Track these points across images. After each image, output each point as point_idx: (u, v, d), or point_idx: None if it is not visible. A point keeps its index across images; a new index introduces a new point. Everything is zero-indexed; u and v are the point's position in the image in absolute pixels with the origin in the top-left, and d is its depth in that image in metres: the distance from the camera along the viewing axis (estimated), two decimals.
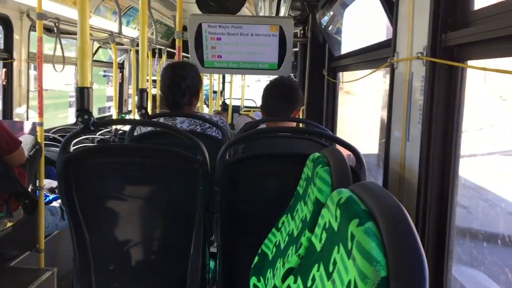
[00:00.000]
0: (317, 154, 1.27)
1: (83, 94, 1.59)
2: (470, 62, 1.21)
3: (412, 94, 1.40)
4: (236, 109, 8.17)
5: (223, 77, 9.31)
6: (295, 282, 1.03)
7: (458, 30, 1.20)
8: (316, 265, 0.91)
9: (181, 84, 2.33)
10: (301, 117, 3.75)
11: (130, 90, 7.18)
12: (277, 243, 1.40)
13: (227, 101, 8.43)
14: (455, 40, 1.19)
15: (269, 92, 2.31)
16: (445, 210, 1.28)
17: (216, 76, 7.56)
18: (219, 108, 7.91)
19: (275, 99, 2.27)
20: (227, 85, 9.48)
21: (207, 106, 6.90)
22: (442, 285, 1.28)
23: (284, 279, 1.11)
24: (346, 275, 0.73)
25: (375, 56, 2.04)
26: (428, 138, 1.27)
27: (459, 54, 1.22)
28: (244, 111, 8.22)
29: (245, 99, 8.59)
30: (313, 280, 0.90)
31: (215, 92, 7.78)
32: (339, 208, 0.85)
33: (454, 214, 1.29)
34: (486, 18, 1.10)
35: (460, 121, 1.26)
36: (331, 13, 3.21)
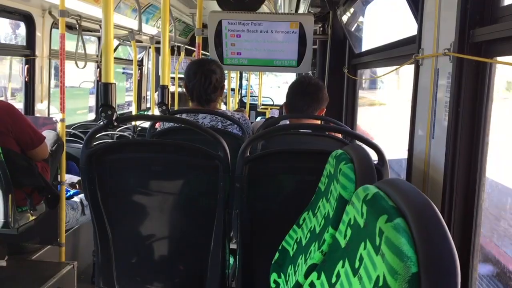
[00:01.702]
0: (340, 151, 1.26)
1: (107, 90, 1.61)
2: (499, 59, 1.19)
3: (438, 91, 1.38)
4: (253, 106, 8.18)
5: (241, 75, 9.33)
6: (318, 278, 1.03)
7: (486, 26, 1.18)
8: (341, 262, 0.90)
9: (212, 78, 2.35)
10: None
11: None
12: (298, 240, 1.39)
13: (244, 99, 8.44)
14: (484, 36, 1.17)
15: (295, 90, 2.31)
16: (471, 209, 1.27)
17: (233, 74, 7.58)
18: (236, 106, 7.92)
19: (300, 97, 2.27)
20: (244, 83, 9.50)
21: (225, 104, 6.93)
22: (467, 284, 1.27)
23: (307, 275, 1.11)
24: (374, 271, 0.72)
25: (399, 52, 2.02)
26: (454, 136, 1.25)
27: (487, 50, 1.20)
28: (261, 109, 8.23)
29: (263, 97, 8.60)
30: (338, 276, 0.90)
31: (232, 89, 7.80)
32: (366, 205, 0.85)
33: (481, 213, 1.27)
34: None
35: (488, 118, 1.24)
36: (352, 10, 3.19)
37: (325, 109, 2.37)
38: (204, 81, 2.34)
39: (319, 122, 2.39)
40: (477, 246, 1.27)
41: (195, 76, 2.35)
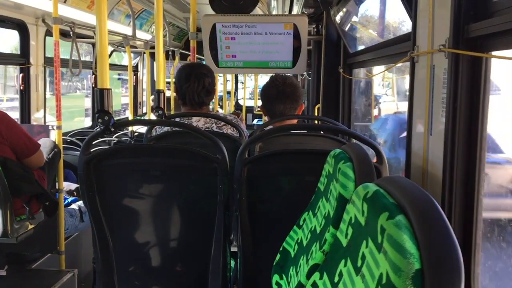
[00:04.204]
0: (338, 150, 1.26)
1: (102, 96, 1.61)
2: (494, 53, 1.19)
3: (434, 87, 1.38)
4: (249, 109, 8.17)
5: (236, 78, 9.32)
6: (321, 278, 1.02)
7: (481, 21, 1.18)
8: (343, 261, 0.90)
9: (205, 82, 2.37)
10: (317, 115, 3.74)
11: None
12: (299, 240, 1.39)
13: (240, 102, 8.44)
14: (478, 31, 1.18)
15: (271, 95, 2.29)
16: (471, 205, 1.27)
17: (229, 77, 7.57)
18: (233, 109, 7.92)
19: (278, 101, 2.26)
20: (240, 86, 9.49)
21: (221, 107, 6.92)
22: (470, 280, 1.27)
23: (309, 275, 1.11)
24: (376, 269, 0.72)
25: (394, 50, 2.02)
26: (452, 132, 1.25)
27: (483, 45, 1.20)
28: (258, 111, 8.22)
29: (259, 99, 8.58)
30: (340, 275, 0.90)
31: (228, 93, 7.80)
32: (366, 203, 0.84)
33: (481, 209, 1.27)
34: (510, 7, 1.08)
35: (486, 113, 1.24)
36: (346, 9, 3.19)
37: (303, 104, 2.37)
38: (197, 84, 2.35)
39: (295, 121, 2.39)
40: (478, 242, 1.27)
41: (188, 80, 2.36)
